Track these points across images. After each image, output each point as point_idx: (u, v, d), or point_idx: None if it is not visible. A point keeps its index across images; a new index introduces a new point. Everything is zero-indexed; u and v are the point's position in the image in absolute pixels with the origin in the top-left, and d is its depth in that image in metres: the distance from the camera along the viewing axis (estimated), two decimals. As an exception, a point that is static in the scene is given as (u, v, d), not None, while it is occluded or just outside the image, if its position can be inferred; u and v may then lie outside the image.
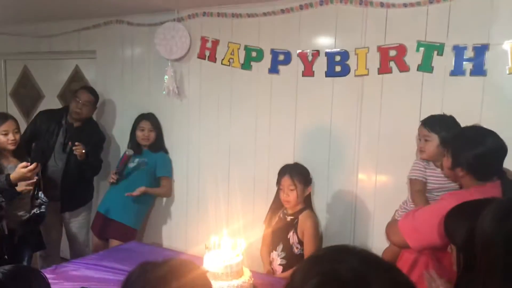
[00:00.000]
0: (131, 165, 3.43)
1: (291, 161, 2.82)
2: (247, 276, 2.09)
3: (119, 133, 3.80)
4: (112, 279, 2.30)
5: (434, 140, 2.13)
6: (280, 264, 2.54)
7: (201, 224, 3.46)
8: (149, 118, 3.47)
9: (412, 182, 2.19)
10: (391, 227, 2.05)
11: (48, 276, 2.30)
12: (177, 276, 1.03)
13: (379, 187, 2.73)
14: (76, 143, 3.23)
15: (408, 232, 1.83)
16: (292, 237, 2.52)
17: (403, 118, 2.61)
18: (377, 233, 2.74)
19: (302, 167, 2.60)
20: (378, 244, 2.74)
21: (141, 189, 3.30)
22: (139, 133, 3.44)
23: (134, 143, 3.48)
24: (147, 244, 3.09)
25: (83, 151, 3.24)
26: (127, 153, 3.36)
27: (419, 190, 2.16)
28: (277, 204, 2.65)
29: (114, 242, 3.33)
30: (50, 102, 4.17)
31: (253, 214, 3.15)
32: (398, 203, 2.63)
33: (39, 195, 2.79)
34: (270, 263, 2.61)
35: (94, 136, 3.50)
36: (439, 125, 2.14)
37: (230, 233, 3.16)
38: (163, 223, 3.70)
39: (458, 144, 1.85)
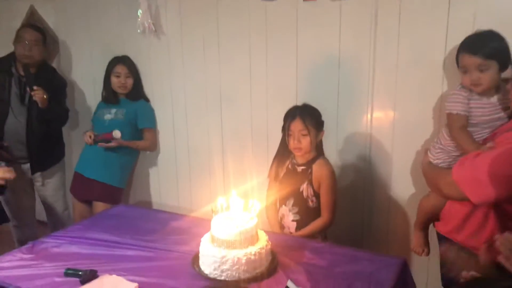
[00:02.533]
0: (108, 116, 3.03)
1: (292, 105, 2.44)
2: (264, 241, 1.77)
3: (90, 81, 3.33)
4: (102, 254, 1.95)
5: (493, 67, 1.74)
6: (293, 220, 2.23)
7: (193, 179, 3.13)
8: (125, 61, 3.02)
9: (452, 117, 1.84)
10: (440, 177, 1.73)
11: (25, 256, 1.97)
12: None
13: (397, 125, 2.40)
14: (35, 87, 2.76)
15: (468, 185, 1.49)
16: (306, 189, 2.19)
17: (426, 43, 2.24)
18: (397, 177, 2.46)
19: (314, 109, 2.23)
20: (399, 191, 2.47)
21: (117, 135, 2.92)
22: (114, 80, 3.00)
23: (109, 91, 3.07)
24: (137, 206, 2.73)
25: (44, 96, 2.79)
26: (113, 135, 2.92)
27: (463, 126, 1.81)
28: (283, 154, 2.29)
29: (98, 205, 3.00)
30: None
31: (252, 167, 2.81)
32: (420, 142, 2.34)
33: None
34: (280, 219, 2.29)
35: (54, 81, 3.02)
36: (494, 45, 1.75)
37: (227, 189, 2.88)
38: (151, 180, 3.34)
39: None
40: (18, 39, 2.90)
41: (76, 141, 3.48)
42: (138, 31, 2.96)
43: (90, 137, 2.96)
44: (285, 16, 2.54)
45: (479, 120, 1.79)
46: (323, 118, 2.28)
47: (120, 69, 3.00)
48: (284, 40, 2.58)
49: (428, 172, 1.90)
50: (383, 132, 2.45)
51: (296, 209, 2.22)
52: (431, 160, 1.94)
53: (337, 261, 1.84)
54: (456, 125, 1.81)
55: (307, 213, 2.21)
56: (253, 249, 1.70)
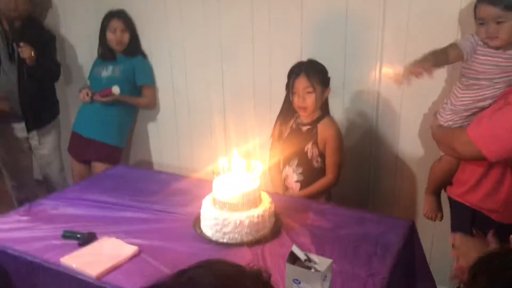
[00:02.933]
0: (105, 74, 2.93)
1: (298, 60, 2.32)
2: (267, 203, 1.71)
3: (85, 37, 3.18)
4: (100, 216, 1.89)
5: (510, 19, 1.62)
6: (297, 181, 2.16)
7: (194, 138, 3.04)
8: (120, 16, 2.87)
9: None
10: (454, 136, 1.65)
11: (22, 218, 1.91)
12: None
13: (407, 84, 2.28)
14: (21, 44, 2.63)
15: (484, 141, 1.44)
16: (310, 149, 2.11)
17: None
18: (405, 138, 2.37)
19: (319, 65, 2.11)
20: (407, 153, 2.39)
21: (116, 91, 2.81)
22: (110, 36, 2.87)
23: (105, 48, 2.94)
24: (136, 167, 2.67)
25: (32, 52, 2.66)
26: (113, 90, 2.80)
27: (452, 46, 1.77)
28: (287, 113, 2.20)
29: (97, 165, 2.93)
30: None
31: (254, 126, 2.72)
32: (428, 104, 2.24)
33: None
34: (283, 180, 2.23)
35: (41, 36, 2.87)
36: None
37: (229, 148, 2.80)
38: (150, 139, 3.26)
39: None
40: None
41: (72, 98, 3.37)
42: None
43: (87, 94, 2.86)
44: (290, -36, 2.38)
45: (488, 70, 1.69)
46: (329, 75, 2.17)
47: (116, 24, 2.85)
48: (288, -8, 2.43)
49: (440, 134, 1.81)
50: (391, 91, 2.34)
51: (300, 170, 2.15)
52: (442, 123, 1.85)
53: (342, 223, 1.79)
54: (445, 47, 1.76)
55: (311, 174, 2.14)
56: (256, 212, 1.65)
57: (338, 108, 2.44)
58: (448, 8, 2.07)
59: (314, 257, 1.23)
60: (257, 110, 2.73)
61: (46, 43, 2.88)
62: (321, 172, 2.15)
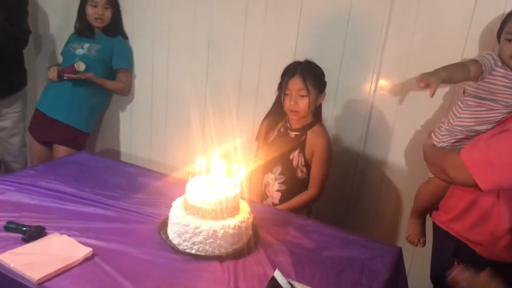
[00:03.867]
0: (80, 51, 2.70)
1: (290, 59, 2.15)
2: (245, 213, 1.52)
3: (61, 6, 2.92)
4: (53, 207, 1.66)
5: None
6: (278, 190, 1.99)
7: (170, 131, 2.84)
8: None
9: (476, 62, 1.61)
10: (446, 158, 1.52)
11: (-39, 200, 1.66)
12: None
13: (404, 96, 2.15)
14: None
15: (478, 167, 1.32)
16: (297, 157, 1.93)
17: (450, 10, 1.96)
18: (394, 155, 2.23)
19: (317, 67, 1.94)
20: (395, 168, 2.25)
21: (88, 74, 2.57)
22: (90, 11, 2.64)
23: (83, 23, 2.70)
24: (102, 156, 2.43)
25: None
26: (76, 66, 2.54)
27: (464, 66, 1.60)
28: (276, 115, 2.02)
29: (59, 149, 2.69)
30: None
31: (236, 125, 2.53)
32: (425, 119, 2.10)
33: None
34: (264, 187, 2.05)
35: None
36: None
37: (207, 146, 2.61)
38: (121, 127, 3.03)
39: None
40: None
41: (41, 72, 3.11)
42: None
43: (56, 72, 2.62)
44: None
45: (501, 91, 1.56)
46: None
47: None
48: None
49: (432, 155, 1.68)
50: (385, 104, 2.20)
51: (282, 178, 1.97)
52: (435, 143, 1.71)
53: (325, 243, 1.62)
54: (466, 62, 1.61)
55: (294, 184, 1.97)
56: (232, 222, 1.45)
57: (327, 115, 2.28)
58: (456, 27, 1.94)
59: (297, 284, 1.05)
60: (240, 109, 2.54)
61: (18, 6, 2.62)
62: (305, 183, 1.98)
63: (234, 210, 1.48)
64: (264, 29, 2.38)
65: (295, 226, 1.71)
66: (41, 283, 1.24)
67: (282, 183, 1.98)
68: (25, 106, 2.92)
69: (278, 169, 1.98)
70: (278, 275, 1.04)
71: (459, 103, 1.72)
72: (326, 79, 2.02)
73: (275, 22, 2.35)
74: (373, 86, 2.20)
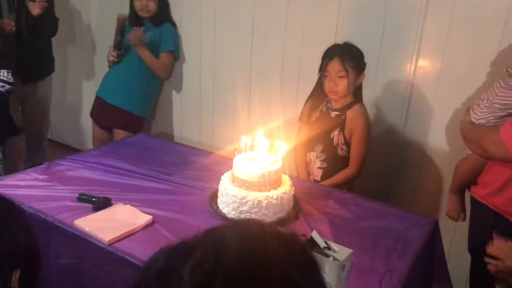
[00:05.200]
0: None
1: (331, 42, 2.23)
2: (287, 185, 1.66)
3: (117, 4, 3.14)
4: (116, 182, 1.87)
5: None
6: (319, 168, 2.10)
7: (217, 114, 3.00)
8: None
9: None
10: (484, 135, 1.56)
11: (39, 176, 1.88)
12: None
13: (443, 77, 2.19)
14: None
15: None
16: (337, 136, 2.03)
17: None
18: (435, 133, 2.28)
19: (356, 49, 2.02)
20: (435, 146, 2.29)
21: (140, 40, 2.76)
22: (136, 3, 2.85)
23: (133, 14, 2.91)
24: (157, 137, 2.63)
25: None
26: (120, 17, 2.76)
27: None
28: (318, 96, 2.11)
29: (119, 133, 2.92)
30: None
31: (279, 106, 2.65)
32: (466, 96, 2.13)
33: (4, 74, 2.25)
34: (307, 165, 2.16)
35: None
36: None
37: (252, 128, 2.74)
38: (174, 112, 3.23)
39: None
40: None
41: (98, 64, 3.35)
42: None
43: (112, 51, 2.84)
44: None
45: None
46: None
47: None
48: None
49: (470, 131, 1.72)
50: (426, 83, 2.24)
51: (324, 156, 2.08)
52: (473, 120, 1.75)
53: (363, 215, 1.73)
54: None
55: (334, 162, 2.08)
56: (275, 193, 1.59)
57: (368, 96, 2.34)
58: (496, 5, 1.95)
59: (333, 245, 1.18)
60: (283, 90, 2.66)
61: None
62: (345, 161, 2.08)
63: (276, 182, 1.62)
64: (305, 13, 2.47)
65: (335, 199, 1.83)
66: (110, 244, 1.44)
67: (324, 160, 2.09)
68: (51, 92, 3.12)
69: (320, 148, 2.09)
70: (315, 235, 1.16)
71: (501, 81, 1.74)
72: (366, 60, 2.09)
73: (316, 5, 2.43)
74: (413, 66, 2.25)
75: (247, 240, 0.55)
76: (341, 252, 1.16)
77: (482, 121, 1.72)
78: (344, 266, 1.15)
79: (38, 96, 3.01)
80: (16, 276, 0.81)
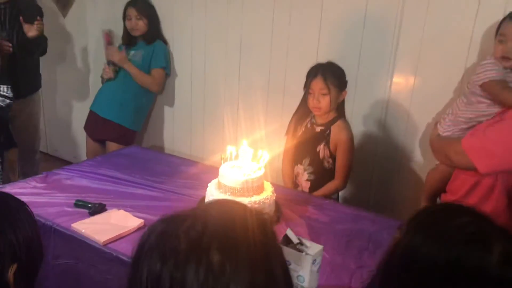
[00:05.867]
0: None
1: (313, 61, 2.40)
2: (269, 191, 1.80)
3: (113, 20, 3.30)
4: (111, 190, 2.00)
5: None
6: (307, 180, 2.24)
7: (207, 127, 3.15)
8: (135, 4, 2.99)
9: (490, 84, 1.76)
10: (449, 146, 1.72)
11: (38, 184, 2.02)
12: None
13: (417, 91, 2.36)
14: (39, 18, 2.75)
15: (477, 154, 1.51)
16: (322, 150, 2.18)
17: (455, 13, 2.16)
18: (410, 145, 2.44)
19: (338, 67, 2.18)
20: (412, 155, 2.46)
21: (126, 63, 2.94)
22: (127, 23, 3.02)
23: (125, 34, 3.08)
24: (150, 149, 2.78)
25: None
26: (105, 31, 2.95)
27: (506, 86, 1.73)
28: (303, 112, 2.26)
29: (111, 145, 3.05)
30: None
31: (265, 119, 2.81)
32: (433, 114, 2.30)
33: (3, 89, 2.38)
34: (295, 177, 2.31)
35: (33, 9, 2.93)
36: None
37: (239, 140, 2.89)
38: (165, 126, 3.37)
39: None
40: None
41: (93, 81, 3.50)
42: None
43: (107, 68, 2.99)
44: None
45: None
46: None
47: (130, 11, 2.98)
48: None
49: (437, 143, 1.89)
50: (401, 98, 2.41)
51: (311, 169, 2.22)
52: (440, 133, 1.92)
53: (339, 218, 1.87)
54: (498, 88, 1.72)
55: (322, 174, 2.21)
56: (257, 198, 1.73)
57: (348, 109, 2.49)
58: (462, 27, 2.14)
59: (306, 241, 1.32)
60: (269, 102, 2.81)
61: (37, 16, 2.87)
62: (331, 173, 2.21)
63: (259, 189, 1.77)
64: (289, 33, 2.64)
65: (313, 204, 1.97)
66: (105, 245, 1.57)
67: (311, 173, 2.23)
68: (40, 107, 3.25)
69: (307, 161, 2.23)
70: (289, 233, 1.30)
71: (463, 97, 1.91)
72: (346, 77, 2.26)
73: (299, 26, 2.61)
74: (388, 82, 2.42)
75: (228, 211, 0.72)
76: (313, 247, 1.30)
77: (448, 134, 1.89)
78: (315, 260, 1.29)
79: (28, 111, 3.12)
80: (12, 269, 0.91)
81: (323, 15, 2.51)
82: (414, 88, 2.36)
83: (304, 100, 2.23)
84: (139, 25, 2.99)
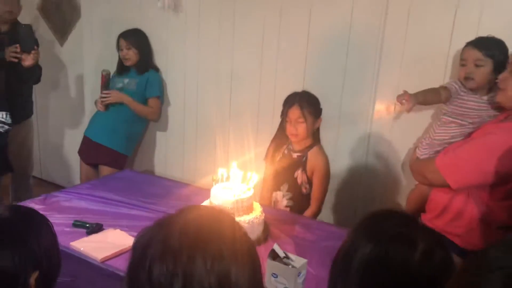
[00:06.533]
0: (119, 85, 3.18)
1: (300, 88, 2.55)
2: (258, 211, 1.91)
3: (108, 52, 3.44)
4: (107, 210, 2.10)
5: (488, 65, 1.86)
6: (286, 206, 2.34)
7: (200, 153, 3.26)
8: (126, 36, 3.14)
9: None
10: (425, 166, 1.87)
11: (37, 206, 2.11)
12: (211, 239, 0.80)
13: (398, 118, 2.50)
14: (35, 47, 2.88)
15: (448, 171, 1.66)
16: (300, 176, 2.30)
17: (431, 42, 2.33)
18: (393, 168, 2.57)
19: (312, 96, 2.32)
20: (395, 178, 2.58)
21: (123, 98, 3.06)
22: (120, 53, 3.17)
23: (119, 63, 3.23)
24: (143, 173, 2.88)
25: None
26: (103, 73, 3.07)
27: (436, 90, 2.02)
28: (280, 139, 2.39)
29: (104, 169, 3.14)
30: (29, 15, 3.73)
31: (256, 145, 2.93)
32: (414, 140, 2.44)
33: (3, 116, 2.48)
34: (274, 204, 2.40)
35: (31, 39, 3.02)
36: (497, 48, 1.86)
37: (230, 164, 3.01)
38: (157, 150, 3.48)
39: None
40: None
41: (88, 108, 3.62)
42: (158, 6, 3.06)
43: (100, 103, 3.10)
44: (300, 0, 2.63)
45: (466, 112, 1.92)
46: (327, 104, 2.38)
47: (121, 42, 3.12)
48: (297, 23, 2.67)
49: (415, 165, 2.03)
50: (383, 125, 2.54)
51: (290, 195, 2.33)
52: (419, 156, 2.06)
53: (325, 237, 1.97)
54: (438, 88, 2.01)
55: (300, 199, 2.32)
56: (247, 218, 1.84)
57: (333, 135, 2.64)
58: (437, 54, 2.31)
59: (291, 255, 1.42)
60: (259, 131, 2.94)
61: (34, 46, 2.98)
62: (309, 199, 2.32)
63: (248, 209, 1.87)
64: (277, 62, 2.80)
65: (301, 224, 2.08)
66: (103, 262, 1.66)
67: (290, 199, 2.34)
68: (32, 133, 3.35)
69: (285, 187, 2.34)
70: (276, 247, 1.41)
71: (437, 121, 2.08)
72: (329, 105, 2.40)
73: (286, 57, 2.76)
74: (371, 109, 2.57)
75: (202, 214, 0.85)
76: (298, 261, 1.41)
77: (425, 156, 2.03)
78: (300, 273, 1.39)
79: (21, 137, 3.21)
80: (34, 276, 1.01)
81: (309, 46, 2.67)
82: (395, 114, 2.50)
83: (282, 128, 2.35)
84: (130, 55, 3.12)
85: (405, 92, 2.03)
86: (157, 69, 3.25)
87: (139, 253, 0.80)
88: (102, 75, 3.08)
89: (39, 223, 1.07)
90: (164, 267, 0.75)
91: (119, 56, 3.18)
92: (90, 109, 3.55)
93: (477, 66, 1.87)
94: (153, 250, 0.78)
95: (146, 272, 0.76)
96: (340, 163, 2.65)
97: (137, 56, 3.14)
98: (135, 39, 3.15)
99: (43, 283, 1.01)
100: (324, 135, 2.49)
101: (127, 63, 3.15)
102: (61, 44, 3.83)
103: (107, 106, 3.10)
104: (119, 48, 3.14)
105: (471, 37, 2.15)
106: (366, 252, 0.94)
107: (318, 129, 2.35)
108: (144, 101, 3.18)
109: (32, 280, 0.99)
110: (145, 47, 3.20)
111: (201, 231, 0.80)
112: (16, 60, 2.84)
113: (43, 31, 3.77)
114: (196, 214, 0.85)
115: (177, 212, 0.87)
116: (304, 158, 2.28)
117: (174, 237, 0.78)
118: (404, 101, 2.00)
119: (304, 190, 2.31)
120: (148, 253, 0.79)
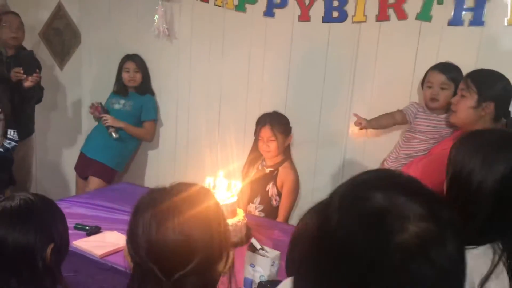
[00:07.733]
0: (117, 106, 3.41)
1: (283, 106, 2.83)
2: (241, 216, 2.13)
3: (105, 76, 3.71)
4: (105, 216, 2.31)
5: (451, 89, 2.14)
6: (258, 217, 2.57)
7: (190, 168, 3.47)
8: (134, 59, 3.40)
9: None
10: None
11: (40, 213, 2.34)
12: (190, 204, 1.03)
13: (370, 134, 2.76)
14: (37, 70, 3.12)
15: None
16: (271, 189, 2.53)
17: (397, 68, 2.62)
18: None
19: (282, 116, 2.58)
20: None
21: (120, 123, 3.29)
22: (124, 75, 3.40)
23: (120, 84, 3.44)
24: (138, 185, 3.10)
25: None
26: (95, 104, 3.35)
27: (394, 113, 2.35)
28: (254, 155, 2.62)
29: (93, 180, 3.31)
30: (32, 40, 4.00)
31: (243, 159, 3.17)
32: (384, 155, 2.69)
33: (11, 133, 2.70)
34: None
35: (35, 63, 3.28)
36: (457, 73, 2.15)
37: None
38: (148, 167, 3.69)
39: (483, 79, 1.88)
40: (1, 23, 3.23)
41: (86, 127, 3.85)
42: (154, 33, 3.33)
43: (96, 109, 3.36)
44: (282, 31, 2.92)
45: (426, 130, 2.20)
46: (306, 124, 2.64)
47: (129, 65, 3.38)
48: (280, 51, 2.95)
49: None
50: (357, 142, 2.81)
51: (261, 207, 2.57)
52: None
53: (301, 240, 2.20)
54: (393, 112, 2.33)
55: (270, 211, 2.55)
56: (231, 221, 2.06)
57: (311, 153, 2.89)
58: (403, 79, 2.60)
59: (267, 248, 1.65)
60: (246, 144, 3.14)
61: (36, 69, 3.22)
62: (278, 211, 2.55)
63: (232, 213, 2.10)
64: (262, 88, 3.06)
65: (279, 229, 2.31)
66: (102, 257, 1.87)
67: (261, 211, 2.57)
68: (32, 151, 3.56)
69: (258, 199, 2.58)
70: (254, 241, 1.63)
71: (403, 137, 2.35)
72: (309, 125, 2.66)
73: (269, 82, 3.03)
74: (346, 128, 2.83)
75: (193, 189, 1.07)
76: (272, 253, 1.64)
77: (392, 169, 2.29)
78: (274, 262, 1.62)
79: (22, 154, 3.39)
80: (50, 247, 1.24)
81: (290, 72, 2.95)
82: (368, 132, 2.76)
83: (255, 145, 2.59)
84: (136, 77, 3.38)
85: (359, 117, 2.30)
86: (153, 93, 3.50)
87: (135, 212, 1.03)
88: (95, 106, 3.33)
89: (56, 208, 1.31)
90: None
91: (119, 77, 3.42)
92: (86, 129, 3.77)
93: (442, 89, 2.15)
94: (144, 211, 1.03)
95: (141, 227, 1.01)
96: (317, 179, 2.89)
97: (141, 78, 3.40)
98: (141, 62, 3.42)
99: (56, 254, 1.24)
100: (302, 153, 2.74)
101: (132, 84, 3.39)
102: (61, 68, 4.08)
103: (116, 130, 3.31)
104: (123, 70, 3.38)
105: (432, 64, 2.46)
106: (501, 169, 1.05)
107: (288, 145, 2.60)
108: (139, 123, 3.42)
109: (49, 250, 1.21)
110: (147, 71, 3.47)
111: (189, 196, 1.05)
112: (18, 79, 3.07)
113: (44, 55, 4.02)
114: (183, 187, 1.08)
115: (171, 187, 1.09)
116: (276, 172, 2.52)
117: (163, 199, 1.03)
118: (357, 124, 2.29)
119: (274, 202, 2.53)
120: (140, 210, 1.04)
